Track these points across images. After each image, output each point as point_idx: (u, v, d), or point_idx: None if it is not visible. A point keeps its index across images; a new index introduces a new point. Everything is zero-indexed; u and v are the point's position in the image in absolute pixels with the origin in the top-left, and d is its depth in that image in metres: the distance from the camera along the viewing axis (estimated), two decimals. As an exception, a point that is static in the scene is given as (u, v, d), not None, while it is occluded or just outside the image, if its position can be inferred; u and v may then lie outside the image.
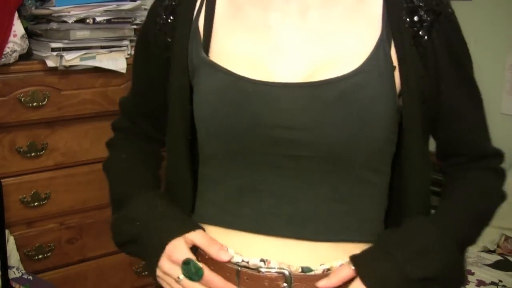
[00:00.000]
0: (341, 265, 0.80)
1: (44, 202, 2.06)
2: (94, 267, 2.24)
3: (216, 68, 0.82)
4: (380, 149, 0.81)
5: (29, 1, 2.04)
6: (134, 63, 1.00)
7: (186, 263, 0.81)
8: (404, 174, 0.84)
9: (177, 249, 0.83)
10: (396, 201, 0.86)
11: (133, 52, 2.18)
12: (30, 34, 2.05)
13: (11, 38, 1.86)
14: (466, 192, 0.88)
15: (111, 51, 2.09)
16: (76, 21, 1.97)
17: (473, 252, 2.26)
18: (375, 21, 0.81)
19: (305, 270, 0.80)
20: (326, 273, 0.80)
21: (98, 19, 2.00)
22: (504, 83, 2.63)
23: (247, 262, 0.80)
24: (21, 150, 1.99)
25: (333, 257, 0.80)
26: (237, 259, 0.81)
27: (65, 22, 1.95)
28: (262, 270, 0.80)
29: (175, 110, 0.88)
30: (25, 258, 2.05)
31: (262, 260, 0.80)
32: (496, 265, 2.16)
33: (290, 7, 0.82)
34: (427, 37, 0.81)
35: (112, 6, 2.05)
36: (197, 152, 0.89)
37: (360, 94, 0.77)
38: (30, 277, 1.91)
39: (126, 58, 2.12)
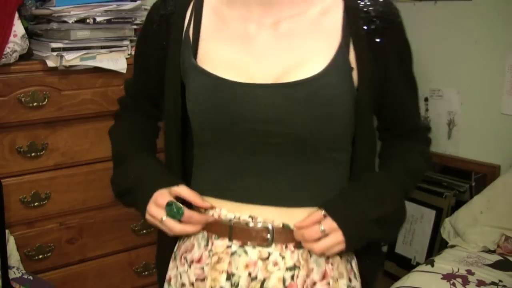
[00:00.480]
0: (314, 211, 0.99)
1: (44, 202, 2.06)
2: (94, 267, 2.24)
3: (203, 72, 0.97)
4: (340, 135, 0.99)
5: (30, 1, 2.04)
6: (135, 55, 1.15)
7: (168, 205, 1.01)
8: (358, 148, 1.02)
9: (162, 196, 1.03)
10: (352, 168, 1.04)
11: (133, 52, 2.18)
12: (30, 34, 2.05)
13: (12, 38, 1.86)
14: (405, 155, 1.10)
15: (111, 51, 2.09)
16: (77, 21, 1.97)
17: (473, 252, 2.27)
18: (335, 31, 0.97)
19: (285, 226, 1.00)
20: None
21: (98, 19, 2.00)
22: (504, 83, 2.63)
23: (239, 218, 1.00)
24: (21, 150, 1.99)
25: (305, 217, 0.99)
26: (230, 216, 1.01)
27: (65, 22, 1.95)
28: (250, 224, 0.99)
29: (169, 102, 1.04)
30: (25, 258, 2.05)
31: (250, 217, 1.00)
32: (496, 265, 2.16)
33: (265, 20, 0.97)
34: (380, 42, 0.98)
35: (112, 6, 2.05)
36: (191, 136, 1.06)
37: (323, 93, 0.94)
38: (30, 277, 1.91)
39: (126, 58, 2.12)
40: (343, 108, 0.96)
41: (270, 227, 0.99)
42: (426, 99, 2.99)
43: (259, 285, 0.99)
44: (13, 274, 1.88)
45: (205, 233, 1.04)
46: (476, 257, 2.23)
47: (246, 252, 1.00)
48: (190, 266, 1.05)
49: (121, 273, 2.32)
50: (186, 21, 1.02)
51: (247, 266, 0.99)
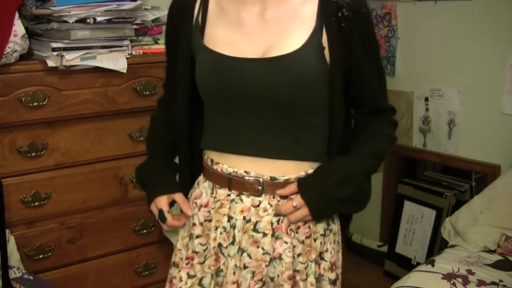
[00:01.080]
0: (291, 183, 1.23)
1: (44, 202, 2.06)
2: (95, 267, 2.24)
3: (207, 49, 1.23)
4: (314, 101, 1.21)
5: (30, 1, 2.04)
6: (166, 46, 1.41)
7: (160, 211, 1.32)
8: (333, 116, 1.24)
9: (160, 201, 1.32)
10: (331, 134, 1.26)
11: (133, 52, 2.18)
12: (30, 34, 2.05)
13: (12, 38, 1.87)
14: (370, 137, 1.28)
15: (111, 51, 2.09)
16: (77, 21, 1.97)
17: (473, 252, 2.27)
18: (311, 17, 1.20)
19: (272, 179, 1.23)
20: (285, 182, 1.23)
21: (98, 19, 2.01)
22: (505, 83, 2.63)
23: (236, 172, 1.24)
24: (22, 150, 1.99)
25: (290, 172, 1.24)
26: (229, 170, 1.25)
27: (65, 22, 1.95)
28: (245, 177, 1.23)
29: (181, 73, 1.29)
30: (25, 258, 2.05)
31: (245, 171, 1.24)
32: (496, 265, 2.16)
33: (254, 9, 1.23)
34: (348, 27, 1.19)
35: (113, 6, 2.05)
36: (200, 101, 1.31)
37: (298, 66, 1.17)
38: (31, 277, 1.92)
39: (127, 58, 2.12)
40: (314, 78, 1.18)
41: (261, 180, 1.22)
42: (426, 99, 2.99)
43: (252, 226, 1.23)
44: (13, 274, 1.88)
45: (211, 184, 1.29)
46: (476, 257, 2.23)
47: (241, 200, 1.24)
48: (199, 209, 1.30)
49: (121, 273, 2.32)
50: (195, 11, 1.28)
51: (242, 211, 1.24)
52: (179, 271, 1.32)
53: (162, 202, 1.33)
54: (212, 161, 1.28)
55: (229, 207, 1.25)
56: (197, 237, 1.29)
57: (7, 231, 1.90)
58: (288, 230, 1.24)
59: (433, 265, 2.16)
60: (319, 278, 1.30)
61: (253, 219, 1.24)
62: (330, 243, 1.30)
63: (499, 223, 2.33)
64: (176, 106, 1.32)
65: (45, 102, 1.98)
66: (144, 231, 2.34)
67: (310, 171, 1.24)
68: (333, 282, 1.32)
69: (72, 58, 1.98)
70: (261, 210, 1.24)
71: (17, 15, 1.89)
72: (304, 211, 1.21)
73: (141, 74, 2.18)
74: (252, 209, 1.24)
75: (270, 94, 1.18)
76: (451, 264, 2.14)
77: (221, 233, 1.26)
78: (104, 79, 2.10)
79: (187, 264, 1.30)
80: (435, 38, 2.90)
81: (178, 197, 1.34)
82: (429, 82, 2.96)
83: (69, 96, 2.03)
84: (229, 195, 1.26)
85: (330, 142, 1.26)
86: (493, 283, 2.02)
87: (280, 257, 1.23)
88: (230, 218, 1.25)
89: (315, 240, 1.27)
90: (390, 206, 3.24)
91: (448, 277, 2.05)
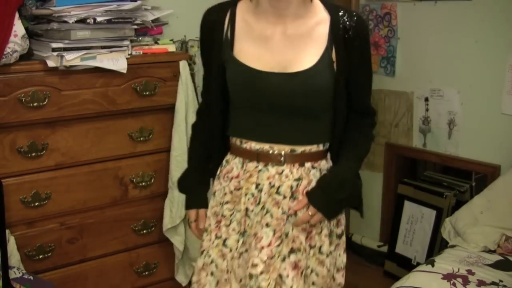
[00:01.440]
0: (302, 198, 1.50)
1: (44, 202, 2.06)
2: (95, 267, 2.24)
3: (237, 62, 1.48)
4: (324, 105, 1.50)
5: (30, 1, 2.04)
6: (202, 57, 1.62)
7: (189, 222, 1.69)
8: (336, 113, 1.53)
9: (190, 213, 1.68)
10: (335, 125, 1.55)
11: (133, 52, 2.18)
12: (30, 34, 2.05)
13: (12, 38, 1.87)
14: (358, 142, 1.58)
15: (111, 51, 2.09)
16: (77, 21, 1.97)
17: (473, 252, 2.27)
18: (324, 37, 1.46)
19: (292, 151, 1.51)
20: (302, 153, 1.51)
21: (98, 19, 2.01)
22: (504, 83, 2.63)
23: (262, 148, 1.51)
24: (22, 150, 1.99)
25: (307, 147, 1.52)
26: (257, 147, 1.51)
27: (65, 22, 1.95)
28: (270, 152, 1.50)
29: (215, 80, 1.54)
30: (25, 258, 2.05)
31: (270, 147, 1.50)
32: (496, 265, 2.16)
33: (276, 28, 1.47)
34: (351, 46, 1.46)
35: (113, 6, 2.05)
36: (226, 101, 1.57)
37: (314, 80, 1.44)
38: (31, 277, 1.92)
39: (127, 58, 2.12)
40: (326, 89, 1.47)
41: (282, 153, 1.50)
42: (426, 99, 2.99)
43: (275, 190, 1.50)
44: (13, 274, 1.88)
45: (241, 159, 1.55)
46: (476, 257, 2.23)
47: (268, 170, 1.51)
48: (230, 181, 1.56)
49: (121, 273, 2.32)
50: (225, 26, 1.50)
51: (268, 178, 1.51)
52: (208, 234, 1.59)
53: (191, 213, 1.69)
54: (241, 141, 1.55)
55: (257, 176, 1.52)
56: (226, 203, 1.56)
57: (7, 231, 1.90)
58: (304, 192, 1.51)
59: (433, 265, 2.16)
60: (331, 233, 1.57)
61: (277, 184, 1.50)
62: None
63: (499, 223, 2.33)
64: (212, 105, 1.58)
65: (45, 102, 1.98)
66: (144, 231, 2.34)
67: (321, 148, 1.55)
68: (339, 236, 1.61)
69: (72, 58, 1.98)
70: (283, 177, 1.51)
71: (17, 15, 1.89)
72: (319, 216, 1.49)
73: (141, 74, 2.18)
74: (276, 176, 1.51)
75: (291, 102, 1.46)
76: (451, 264, 2.14)
77: (249, 198, 1.52)
78: (104, 79, 2.10)
79: (216, 227, 1.58)
80: (435, 38, 2.90)
81: (201, 212, 1.67)
82: (429, 82, 2.96)
83: (69, 96, 2.03)
84: (257, 166, 1.52)
85: (335, 128, 1.56)
86: (493, 283, 2.02)
87: (295, 213, 1.50)
88: (257, 185, 1.52)
89: None
90: (390, 206, 3.24)
91: (448, 277, 2.05)
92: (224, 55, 1.49)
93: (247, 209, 1.52)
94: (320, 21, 1.47)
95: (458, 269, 2.10)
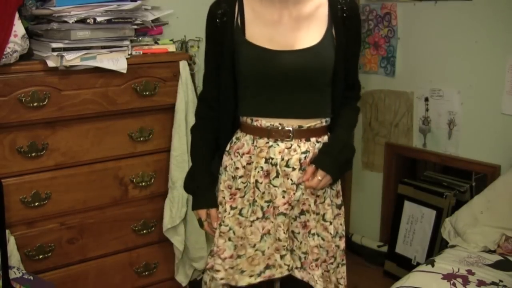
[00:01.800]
0: (309, 166, 1.66)
1: (44, 202, 2.06)
2: (95, 267, 2.24)
3: (251, 44, 1.64)
4: (329, 77, 1.68)
5: (30, 1, 2.05)
6: (207, 51, 1.75)
7: (199, 219, 1.79)
8: (335, 85, 1.71)
9: (200, 212, 1.77)
10: (333, 96, 1.73)
11: (133, 53, 2.18)
12: (30, 34, 2.05)
13: (12, 38, 1.87)
14: (349, 115, 1.79)
15: (111, 51, 2.09)
16: (77, 21, 1.97)
17: (473, 252, 2.27)
18: (324, 17, 1.68)
19: (300, 127, 1.67)
20: (308, 129, 1.67)
21: (98, 19, 2.01)
22: (504, 83, 2.63)
23: (273, 125, 1.65)
24: (22, 150, 1.99)
25: (313, 123, 1.68)
26: (267, 124, 1.66)
27: (65, 22, 1.95)
28: (280, 128, 1.65)
29: (226, 63, 1.68)
30: (25, 258, 2.05)
31: (280, 124, 1.65)
32: (496, 265, 2.16)
33: (283, 12, 1.66)
34: (348, 23, 1.68)
35: (113, 6, 2.05)
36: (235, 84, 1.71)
37: (322, 53, 1.64)
38: (31, 277, 1.92)
39: (127, 58, 2.12)
40: (330, 62, 1.66)
41: (291, 129, 1.65)
42: (426, 99, 2.99)
43: (285, 163, 1.66)
44: (13, 274, 1.88)
45: (251, 136, 1.69)
46: (476, 257, 2.23)
47: (278, 145, 1.66)
48: (242, 156, 1.70)
49: (121, 273, 2.32)
50: (235, 16, 1.66)
51: (279, 152, 1.66)
52: (223, 206, 1.73)
53: (201, 213, 1.77)
54: (251, 119, 1.68)
55: (267, 152, 1.66)
56: (240, 177, 1.70)
57: (7, 231, 1.90)
58: (309, 162, 1.68)
59: (433, 265, 2.16)
60: (331, 203, 1.74)
61: (286, 157, 1.66)
62: None
63: (499, 223, 2.33)
64: (223, 89, 1.71)
65: (45, 102, 1.98)
66: (144, 231, 2.34)
67: (323, 123, 1.71)
68: (339, 207, 1.79)
69: (72, 58, 1.98)
70: (292, 151, 1.66)
71: (17, 15, 1.89)
72: (327, 179, 1.66)
73: (141, 74, 2.18)
74: (286, 150, 1.66)
75: (301, 76, 1.63)
76: (451, 264, 2.14)
77: (258, 171, 1.67)
78: (104, 79, 2.10)
79: (230, 199, 1.72)
80: (435, 38, 2.90)
81: (212, 211, 1.75)
82: (429, 82, 2.96)
83: (69, 96, 2.03)
84: (267, 142, 1.66)
85: (333, 103, 1.73)
86: (493, 283, 2.02)
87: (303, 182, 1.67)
88: (268, 159, 1.66)
89: None
90: (390, 206, 3.24)
91: (448, 277, 2.05)
92: (237, 40, 1.65)
93: (256, 181, 1.68)
94: (320, 4, 1.68)
95: (458, 269, 2.10)
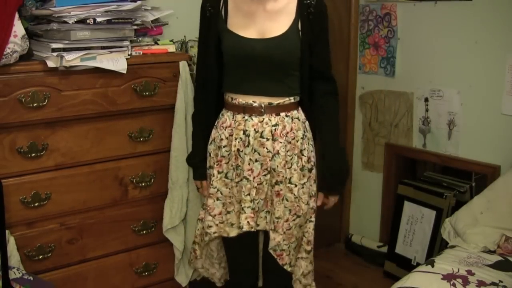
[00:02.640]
0: (320, 194, 2.10)
1: (44, 203, 2.06)
2: (95, 267, 2.24)
3: (231, 32, 1.95)
4: (294, 62, 1.96)
5: (30, 2, 2.04)
6: (200, 38, 2.08)
7: (197, 186, 2.23)
8: (302, 70, 1.99)
9: (196, 182, 2.21)
10: (301, 78, 2.02)
11: (133, 53, 2.18)
12: (30, 35, 2.05)
13: (12, 38, 1.87)
14: (332, 122, 2.08)
15: (111, 52, 2.09)
16: (77, 22, 1.97)
17: (473, 253, 2.27)
18: (292, 12, 1.94)
19: (270, 104, 1.95)
20: (277, 105, 1.96)
21: (98, 19, 2.01)
22: (504, 83, 2.63)
23: (247, 103, 1.95)
24: (22, 150, 1.99)
25: (281, 100, 1.96)
26: (243, 102, 1.96)
27: (65, 22, 1.95)
28: (253, 104, 1.95)
29: (210, 48, 2.00)
30: (25, 258, 2.05)
31: (253, 101, 1.95)
32: (496, 266, 2.16)
33: (259, 6, 1.94)
34: (313, 18, 1.94)
35: (113, 6, 2.05)
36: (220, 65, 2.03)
37: (285, 42, 1.92)
38: (31, 278, 1.92)
39: (127, 59, 2.12)
40: (294, 50, 1.93)
41: (263, 105, 1.95)
42: (426, 99, 2.99)
43: (259, 134, 1.95)
44: (13, 274, 1.88)
45: (232, 112, 1.99)
46: (476, 257, 2.23)
47: (252, 119, 1.95)
48: (225, 129, 2.00)
49: (121, 274, 2.32)
50: (220, 7, 1.97)
51: (253, 125, 1.95)
52: (213, 169, 2.05)
53: (197, 183, 2.21)
54: (231, 98, 1.99)
55: (244, 125, 1.96)
56: (224, 146, 2.01)
57: (7, 231, 1.90)
58: (281, 134, 1.96)
59: (433, 266, 2.16)
60: (302, 168, 2.01)
61: (260, 130, 1.95)
62: (307, 144, 2.03)
63: (499, 224, 2.34)
64: (209, 70, 2.02)
65: (45, 103, 1.98)
66: (144, 231, 2.34)
67: (292, 100, 1.99)
68: (309, 170, 2.04)
69: (72, 59, 1.98)
70: (264, 124, 1.95)
71: (17, 15, 1.89)
72: (337, 198, 2.12)
73: (141, 75, 2.18)
74: (259, 123, 1.95)
75: (269, 61, 1.92)
76: (451, 265, 2.15)
77: (238, 141, 1.97)
78: (104, 79, 2.10)
79: (217, 165, 2.03)
80: (435, 38, 2.90)
81: (204, 183, 2.16)
82: (429, 83, 2.96)
83: (69, 96, 2.03)
84: (243, 117, 1.96)
85: (302, 85, 2.01)
86: (493, 283, 2.02)
87: (278, 153, 1.96)
88: (244, 131, 1.96)
89: (297, 141, 1.99)
90: (390, 207, 3.24)
91: (448, 277, 2.05)
92: (220, 28, 1.96)
93: (238, 150, 1.97)
94: (290, 1, 1.95)
95: (458, 270, 2.10)
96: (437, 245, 2.86)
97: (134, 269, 2.35)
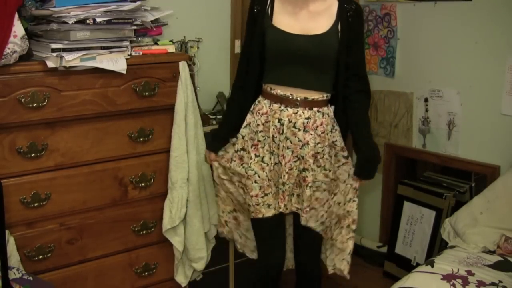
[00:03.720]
0: (357, 179, 2.24)
1: (44, 203, 2.06)
2: (94, 267, 2.24)
3: (276, 28, 2.13)
4: (331, 60, 2.11)
5: (29, 2, 2.04)
6: (247, 33, 2.25)
7: (205, 155, 2.41)
8: (339, 70, 2.14)
9: (206, 152, 2.38)
10: (337, 79, 2.18)
11: (133, 53, 2.18)
12: (30, 35, 2.05)
13: (11, 38, 1.86)
14: (364, 114, 2.21)
15: (111, 52, 2.09)
16: (76, 22, 1.97)
17: (473, 253, 2.27)
18: (333, 14, 2.12)
19: (305, 98, 2.12)
20: (312, 100, 2.12)
21: (98, 19, 2.01)
22: (504, 83, 2.63)
23: (285, 94, 2.12)
24: (22, 150, 1.99)
25: (314, 96, 2.13)
26: (281, 93, 2.12)
27: (65, 22, 1.95)
28: (290, 97, 2.12)
29: (256, 43, 2.17)
30: (25, 258, 2.05)
31: (290, 94, 2.12)
32: (496, 266, 2.16)
33: (302, 7, 2.13)
34: (351, 21, 2.11)
35: (112, 6, 2.05)
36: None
37: (325, 40, 2.09)
38: (30, 278, 1.92)
39: (126, 59, 2.12)
40: (332, 48, 2.10)
41: (298, 98, 2.11)
42: (426, 100, 2.99)
43: (292, 124, 2.12)
44: (13, 274, 1.88)
45: (269, 101, 2.16)
46: (476, 257, 2.23)
47: (287, 110, 2.13)
48: (261, 116, 2.17)
49: (121, 274, 2.32)
50: (267, 6, 2.16)
51: (287, 116, 2.12)
52: (249, 153, 2.21)
53: (206, 153, 2.37)
54: (270, 88, 2.16)
55: (280, 114, 2.13)
56: (260, 131, 2.18)
57: (6, 231, 1.90)
58: (312, 127, 2.12)
59: (432, 266, 2.16)
60: (336, 154, 2.20)
61: (293, 120, 2.12)
62: (338, 137, 2.20)
63: (498, 224, 2.34)
64: (251, 62, 2.20)
65: (44, 103, 1.98)
66: (144, 231, 2.34)
67: (324, 97, 2.15)
68: (345, 157, 2.22)
69: (71, 59, 1.98)
70: (298, 116, 2.12)
71: (16, 16, 1.89)
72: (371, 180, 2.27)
73: (140, 75, 2.18)
74: (293, 115, 2.12)
75: (310, 54, 2.08)
76: (450, 265, 2.15)
77: (273, 129, 2.14)
78: (104, 80, 2.10)
79: (254, 148, 2.20)
80: (435, 39, 2.90)
81: (211, 154, 2.33)
82: (429, 83, 2.96)
83: (68, 97, 2.03)
84: (280, 107, 2.13)
85: (336, 83, 2.16)
86: (493, 283, 2.02)
87: (307, 143, 2.12)
88: (279, 120, 2.13)
89: (326, 134, 2.15)
90: (390, 207, 3.24)
91: (448, 277, 2.05)
92: (266, 24, 2.15)
93: (273, 136, 2.15)
94: (331, 4, 2.13)
95: (458, 270, 2.11)
96: (436, 245, 2.86)
97: (134, 269, 2.35)
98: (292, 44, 2.09)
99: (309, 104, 2.12)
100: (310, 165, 2.12)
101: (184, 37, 2.66)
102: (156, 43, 2.34)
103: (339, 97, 2.17)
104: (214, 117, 2.77)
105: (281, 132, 2.13)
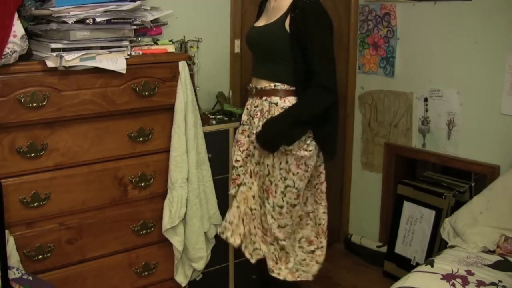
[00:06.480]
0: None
1: (44, 203, 2.06)
2: (94, 267, 2.24)
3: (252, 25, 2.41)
4: (277, 51, 2.20)
5: (29, 2, 2.04)
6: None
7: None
8: (294, 62, 2.19)
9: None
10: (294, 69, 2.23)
11: (133, 53, 2.18)
12: (30, 35, 2.05)
13: (11, 38, 1.86)
14: (302, 100, 2.20)
15: (111, 52, 2.09)
16: (76, 22, 1.97)
17: (473, 253, 2.27)
18: (285, 8, 2.19)
19: (258, 87, 2.28)
20: (261, 89, 2.26)
21: (98, 19, 2.00)
22: (504, 83, 2.63)
23: (250, 85, 2.34)
24: (21, 150, 1.99)
25: (264, 85, 2.25)
26: (250, 85, 2.35)
27: (65, 22, 1.95)
28: (251, 87, 2.33)
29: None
30: (25, 258, 2.05)
31: (251, 84, 2.34)
32: (496, 266, 2.16)
33: (270, 2, 2.30)
34: (298, 17, 2.13)
35: (112, 6, 2.05)
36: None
37: (267, 30, 2.23)
38: (30, 278, 1.92)
39: (126, 59, 2.12)
40: (275, 38, 2.19)
41: (254, 88, 2.30)
42: (425, 100, 2.99)
43: (249, 112, 2.32)
44: (13, 274, 1.88)
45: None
46: (475, 257, 2.23)
47: (250, 99, 2.33)
48: (247, 108, 2.36)
49: (120, 274, 2.32)
50: (261, 8, 2.40)
51: (249, 105, 2.33)
52: (239, 133, 2.39)
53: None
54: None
55: (248, 103, 2.34)
56: (245, 115, 2.36)
57: (6, 231, 1.90)
58: (260, 115, 2.24)
59: (432, 266, 2.16)
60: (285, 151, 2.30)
61: (252, 109, 2.29)
62: None
63: (498, 224, 2.34)
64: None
65: (44, 103, 1.98)
66: (144, 231, 2.34)
67: (273, 86, 2.22)
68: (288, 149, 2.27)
69: (71, 59, 1.98)
70: (254, 105, 2.29)
71: (16, 15, 1.89)
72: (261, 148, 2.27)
73: (140, 75, 2.18)
74: (251, 103, 2.31)
75: (255, 44, 2.29)
76: (450, 265, 2.15)
77: (245, 115, 2.36)
78: (104, 79, 2.10)
79: (241, 133, 2.39)
80: (435, 38, 2.90)
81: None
82: (429, 83, 2.96)
83: (68, 96, 2.03)
84: (249, 97, 2.34)
85: (295, 74, 2.19)
86: (493, 283, 2.02)
87: (258, 126, 2.25)
88: (247, 109, 2.34)
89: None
90: (390, 207, 3.24)
91: (448, 277, 2.05)
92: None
93: (248, 119, 2.33)
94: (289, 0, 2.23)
95: (458, 270, 2.11)
96: (436, 245, 2.86)
97: (134, 269, 2.35)
98: (248, 36, 2.33)
99: (260, 93, 2.24)
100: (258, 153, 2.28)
101: (184, 36, 2.65)
102: (155, 43, 2.34)
103: (301, 90, 2.19)
104: (213, 116, 2.77)
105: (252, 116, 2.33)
